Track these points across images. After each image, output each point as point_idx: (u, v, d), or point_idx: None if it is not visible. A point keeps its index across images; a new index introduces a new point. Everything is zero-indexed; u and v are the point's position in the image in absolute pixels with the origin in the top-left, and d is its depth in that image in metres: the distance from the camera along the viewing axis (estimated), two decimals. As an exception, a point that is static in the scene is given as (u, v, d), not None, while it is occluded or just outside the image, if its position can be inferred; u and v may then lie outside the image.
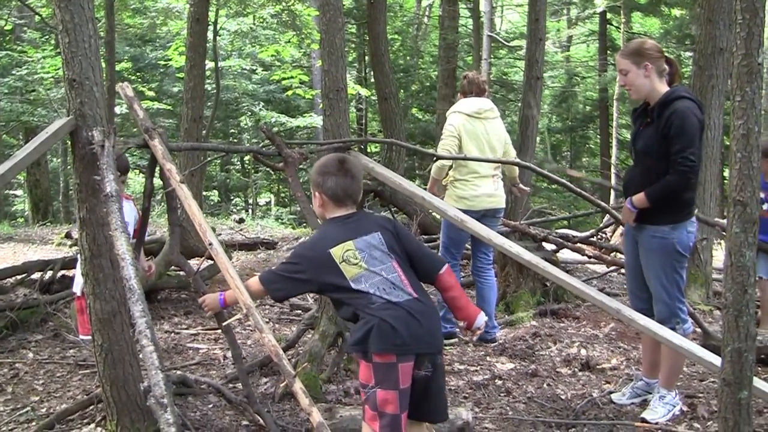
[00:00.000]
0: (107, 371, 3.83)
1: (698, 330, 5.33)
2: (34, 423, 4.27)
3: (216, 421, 4.27)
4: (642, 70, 4.19)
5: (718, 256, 9.21)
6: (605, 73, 22.43)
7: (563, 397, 4.76)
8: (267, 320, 6.75)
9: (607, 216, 7.97)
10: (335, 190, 3.20)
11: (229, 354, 5.51)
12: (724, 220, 3.49)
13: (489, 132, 5.99)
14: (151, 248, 7.99)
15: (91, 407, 4.30)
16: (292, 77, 19.52)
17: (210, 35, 11.01)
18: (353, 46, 24.00)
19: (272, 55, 19.78)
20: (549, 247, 7.82)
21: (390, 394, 2.95)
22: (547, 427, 4.26)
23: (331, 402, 4.47)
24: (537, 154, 20.46)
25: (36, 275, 7.12)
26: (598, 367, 5.36)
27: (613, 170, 19.52)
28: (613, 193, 19.57)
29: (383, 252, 3.11)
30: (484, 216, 5.77)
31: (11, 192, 23.88)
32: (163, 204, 10.49)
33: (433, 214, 9.56)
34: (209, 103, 14.21)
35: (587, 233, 9.03)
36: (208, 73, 10.40)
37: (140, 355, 3.27)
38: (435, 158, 5.93)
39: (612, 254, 8.06)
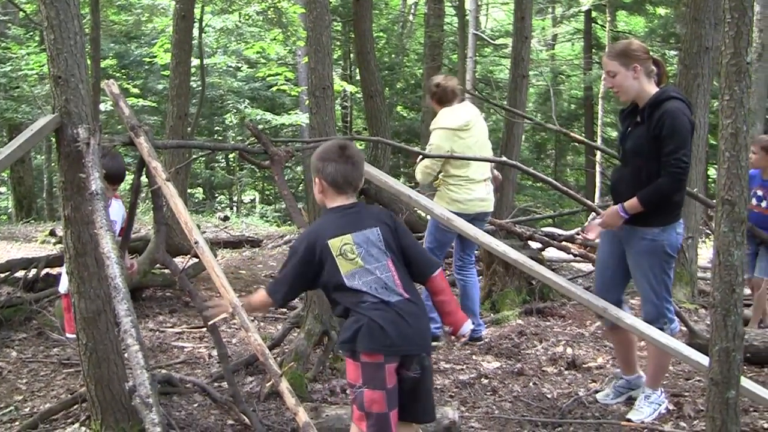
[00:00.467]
0: (92, 370, 3.80)
1: (684, 329, 5.35)
2: (17, 422, 4.23)
3: (201, 420, 4.25)
4: (631, 72, 4.12)
5: (703, 254, 9.28)
6: (590, 72, 22.52)
7: (549, 395, 4.76)
8: (252, 319, 6.72)
9: (593, 214, 7.98)
10: (335, 177, 3.17)
11: (214, 353, 5.49)
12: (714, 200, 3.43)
13: (479, 138, 5.95)
14: (135, 246, 7.93)
15: (75, 406, 4.27)
16: (277, 74, 19.46)
17: (195, 32, 10.98)
18: (339, 43, 23.98)
19: (258, 53, 19.70)
20: (535, 245, 7.84)
21: (377, 394, 2.95)
22: (534, 426, 4.26)
23: (317, 401, 4.45)
24: (522, 152, 20.55)
25: (20, 273, 7.05)
26: (584, 365, 5.36)
27: (598, 168, 19.57)
28: (598, 191, 19.70)
29: (380, 249, 3.10)
30: (474, 219, 5.76)
31: (-5, 189, 23.78)
32: (148, 202, 10.44)
33: (419, 212, 9.54)
34: (194, 101, 14.15)
35: (573, 231, 9.06)
36: (193, 70, 10.33)
37: (125, 354, 3.25)
38: (420, 157, 5.88)
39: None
